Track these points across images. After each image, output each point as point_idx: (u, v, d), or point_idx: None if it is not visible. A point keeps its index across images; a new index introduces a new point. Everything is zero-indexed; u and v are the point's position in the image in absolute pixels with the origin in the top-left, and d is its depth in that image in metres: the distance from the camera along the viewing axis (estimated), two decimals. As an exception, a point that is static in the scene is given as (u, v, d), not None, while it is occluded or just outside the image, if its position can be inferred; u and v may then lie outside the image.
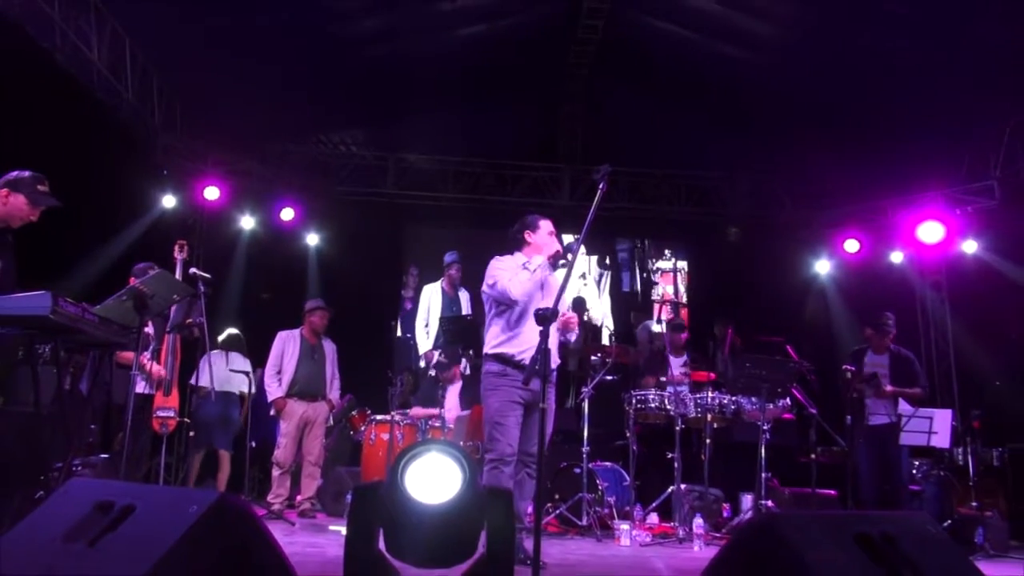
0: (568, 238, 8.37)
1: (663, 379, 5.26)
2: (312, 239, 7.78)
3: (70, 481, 1.74)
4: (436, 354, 5.74)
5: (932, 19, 5.06)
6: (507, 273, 3.28)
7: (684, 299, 8.57)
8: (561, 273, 3.29)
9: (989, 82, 5.55)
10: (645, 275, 8.66)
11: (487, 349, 3.34)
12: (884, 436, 4.79)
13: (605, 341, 7.79)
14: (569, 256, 3.13)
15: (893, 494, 4.80)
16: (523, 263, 3.32)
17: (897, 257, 7.42)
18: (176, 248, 4.38)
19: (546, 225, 3.46)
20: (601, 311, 8.43)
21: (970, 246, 6.77)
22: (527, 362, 3.16)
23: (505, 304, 3.28)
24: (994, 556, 4.48)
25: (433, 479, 1.86)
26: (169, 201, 6.78)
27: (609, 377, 5.14)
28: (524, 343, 3.22)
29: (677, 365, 5.45)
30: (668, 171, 7.75)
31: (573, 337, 3.45)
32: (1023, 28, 4.90)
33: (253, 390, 5.80)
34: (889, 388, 4.85)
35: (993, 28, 5.02)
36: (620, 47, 6.75)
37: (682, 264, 8.74)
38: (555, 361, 3.30)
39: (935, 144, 6.50)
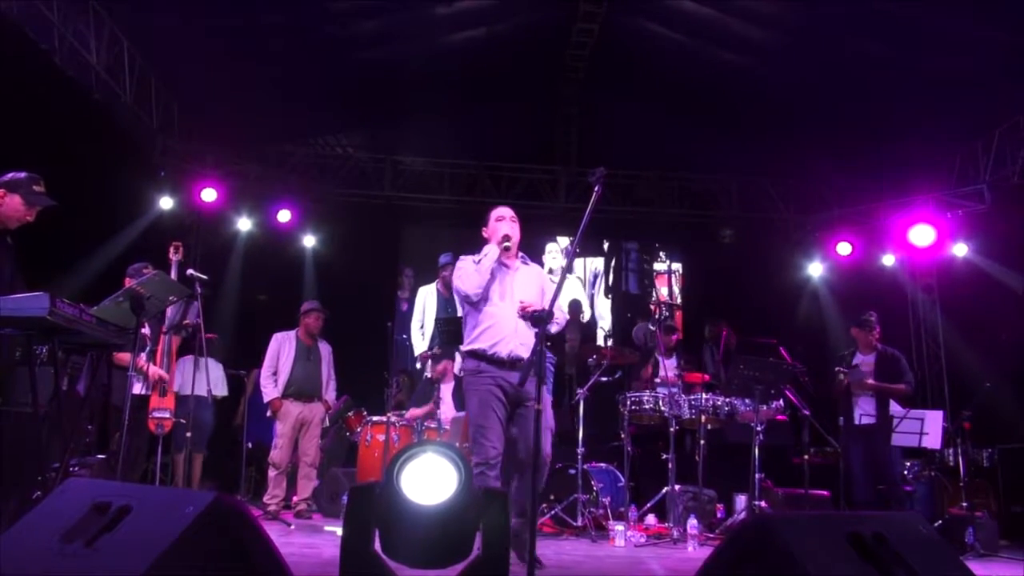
0: (564, 240, 8.44)
1: (656, 380, 5.29)
2: (309, 241, 7.79)
3: (67, 481, 1.75)
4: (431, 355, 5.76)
5: (923, 24, 5.12)
6: (460, 271, 3.30)
7: (679, 300, 8.62)
8: (546, 273, 3.30)
9: (979, 87, 5.61)
10: (640, 277, 8.70)
11: (464, 347, 3.34)
12: (871, 435, 4.83)
13: (600, 342, 7.83)
14: (569, 254, 3.15)
15: (888, 494, 4.85)
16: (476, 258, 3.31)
17: (889, 260, 7.47)
18: (171, 249, 4.38)
19: (495, 213, 3.41)
20: (591, 312, 8.46)
21: (960, 249, 6.82)
22: (500, 355, 3.16)
23: (468, 301, 3.29)
24: (984, 556, 4.51)
25: (429, 480, 1.88)
26: (167, 203, 6.77)
27: (604, 379, 5.16)
28: (494, 336, 3.19)
29: (669, 367, 5.48)
30: (662, 173, 7.79)
31: (554, 329, 3.39)
32: (1013, 33, 4.96)
33: (225, 392, 5.91)
34: (871, 381, 4.88)
35: (983, 33, 5.08)
36: (615, 51, 6.79)
37: (676, 266, 8.78)
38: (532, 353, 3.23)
39: (926, 148, 6.56)
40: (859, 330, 5.06)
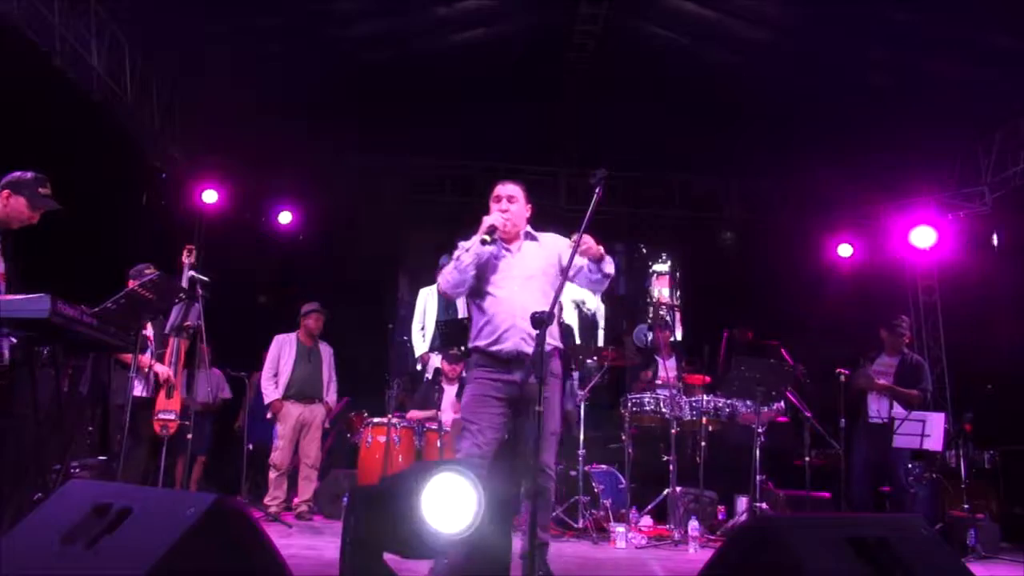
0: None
1: (658, 381, 5.28)
2: (309, 242, 7.78)
3: (68, 483, 1.75)
4: (432, 356, 5.75)
5: (924, 25, 5.12)
6: (443, 268, 3.05)
7: (679, 302, 8.62)
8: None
9: (980, 89, 5.61)
10: (633, 278, 8.69)
11: (470, 343, 3.09)
12: (882, 435, 4.79)
13: (600, 343, 7.83)
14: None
15: (894, 496, 4.83)
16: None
17: (890, 261, 7.47)
18: (184, 253, 4.31)
19: (493, 191, 3.07)
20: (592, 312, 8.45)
21: (961, 251, 6.82)
22: (502, 353, 2.90)
23: (468, 296, 3.06)
24: (985, 558, 4.52)
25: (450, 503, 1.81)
26: (167, 204, 6.78)
27: (602, 381, 5.16)
28: (495, 331, 2.93)
29: (669, 367, 5.46)
30: (663, 175, 7.79)
31: (605, 267, 2.95)
32: (1014, 36, 4.96)
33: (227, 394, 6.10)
34: (881, 381, 4.85)
35: (985, 35, 5.08)
36: (616, 51, 6.79)
37: (677, 267, 8.78)
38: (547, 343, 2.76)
39: (927, 150, 6.57)
40: (889, 333, 4.99)
